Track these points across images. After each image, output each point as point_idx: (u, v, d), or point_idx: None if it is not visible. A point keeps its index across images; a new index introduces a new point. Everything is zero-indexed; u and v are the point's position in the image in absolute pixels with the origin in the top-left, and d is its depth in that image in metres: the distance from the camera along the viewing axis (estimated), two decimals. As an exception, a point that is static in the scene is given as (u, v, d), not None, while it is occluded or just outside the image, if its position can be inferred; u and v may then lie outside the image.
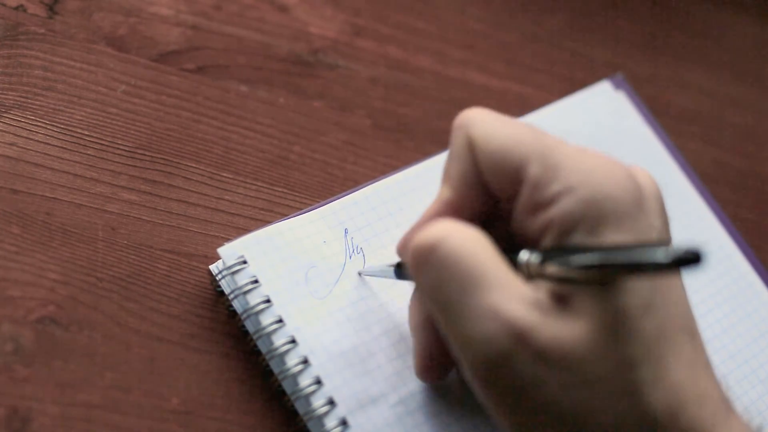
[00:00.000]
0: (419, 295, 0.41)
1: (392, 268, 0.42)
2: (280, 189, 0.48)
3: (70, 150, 0.45)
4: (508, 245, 0.36)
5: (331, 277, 0.44)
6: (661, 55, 0.62)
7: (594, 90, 0.55)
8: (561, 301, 0.34)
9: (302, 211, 0.45)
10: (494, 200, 0.38)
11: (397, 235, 0.46)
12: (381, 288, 0.44)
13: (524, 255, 0.35)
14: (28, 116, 0.45)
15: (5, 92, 0.46)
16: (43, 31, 0.48)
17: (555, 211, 0.34)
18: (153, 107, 0.48)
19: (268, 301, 0.42)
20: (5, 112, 0.45)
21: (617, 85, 0.56)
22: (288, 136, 0.50)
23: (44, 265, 0.42)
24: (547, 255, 0.34)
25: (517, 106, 0.56)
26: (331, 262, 0.44)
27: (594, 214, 0.34)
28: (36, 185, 0.44)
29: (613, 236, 0.34)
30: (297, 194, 0.49)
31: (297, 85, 0.52)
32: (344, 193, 0.46)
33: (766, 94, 0.63)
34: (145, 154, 0.47)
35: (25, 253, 0.42)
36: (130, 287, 0.43)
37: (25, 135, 0.45)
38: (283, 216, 0.45)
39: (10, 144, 0.45)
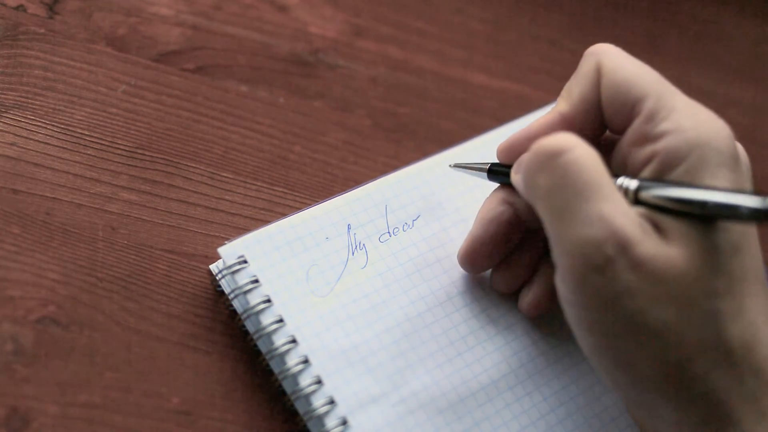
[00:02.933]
0: (502, 195, 0.44)
1: (484, 170, 0.44)
2: (280, 189, 0.48)
3: (70, 150, 0.45)
4: None
5: (332, 274, 0.44)
6: (661, 55, 0.62)
7: (594, 90, 0.55)
8: (658, 228, 0.37)
9: (302, 210, 0.45)
10: (601, 128, 0.42)
11: (399, 233, 0.46)
12: (383, 284, 0.44)
13: (622, 180, 0.38)
14: (28, 116, 0.45)
15: (5, 92, 0.46)
16: (43, 31, 0.48)
17: (662, 145, 0.38)
18: (153, 107, 0.48)
19: (268, 300, 0.42)
20: (5, 112, 0.45)
21: (617, 85, 0.56)
22: (288, 136, 0.50)
23: (44, 265, 0.42)
24: (645, 184, 0.37)
25: (517, 106, 0.56)
26: (333, 259, 0.44)
27: (697, 157, 0.37)
28: (36, 185, 0.44)
29: (710, 181, 0.37)
30: (297, 194, 0.49)
31: (297, 85, 0.52)
32: (345, 192, 0.46)
33: (766, 94, 0.63)
34: (145, 154, 0.47)
35: (25, 253, 0.42)
36: (130, 287, 0.43)
37: (25, 135, 0.45)
38: (283, 216, 0.45)
39: (10, 144, 0.45)
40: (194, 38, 0.51)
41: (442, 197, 0.47)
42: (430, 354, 0.43)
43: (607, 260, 0.36)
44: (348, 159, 0.51)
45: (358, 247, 0.45)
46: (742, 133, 0.61)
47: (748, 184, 0.39)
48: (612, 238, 0.36)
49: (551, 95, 0.56)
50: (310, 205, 0.46)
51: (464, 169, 0.46)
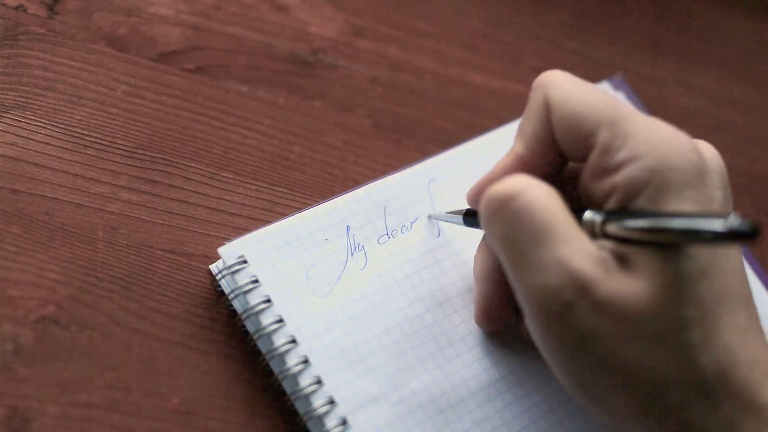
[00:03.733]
0: (486, 244, 0.43)
1: (460, 216, 0.44)
2: (280, 189, 0.48)
3: (70, 150, 0.45)
4: (572, 208, 0.38)
5: (332, 275, 0.44)
6: (661, 55, 0.62)
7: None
8: (622, 260, 0.35)
9: (302, 210, 0.45)
10: (562, 161, 0.40)
11: (398, 235, 0.46)
12: (382, 286, 0.44)
13: (588, 215, 0.37)
14: (28, 116, 0.45)
15: (5, 92, 0.46)
16: (43, 31, 0.48)
17: (621, 177, 0.36)
18: (153, 107, 0.48)
19: (268, 300, 0.42)
20: (5, 112, 0.45)
21: (616, 86, 0.56)
22: (288, 136, 0.50)
23: (44, 265, 0.42)
24: (610, 216, 0.36)
25: (517, 106, 0.55)
26: (332, 260, 0.44)
27: (658, 183, 0.35)
28: (36, 185, 0.44)
29: (674, 205, 0.35)
30: (297, 194, 0.49)
31: (297, 85, 0.52)
32: (345, 192, 0.46)
33: (766, 94, 0.63)
34: (145, 154, 0.47)
35: (25, 253, 0.42)
36: (130, 287, 0.43)
37: (25, 135, 0.45)
38: (283, 216, 0.45)
39: (10, 144, 0.45)
40: (194, 38, 0.51)
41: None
42: (430, 354, 0.43)
43: (567, 305, 0.35)
44: (348, 159, 0.51)
45: (357, 248, 0.45)
46: (741, 133, 0.61)
47: (718, 195, 0.37)
48: (570, 283, 0.35)
49: (551, 95, 0.56)
50: (310, 205, 0.46)
51: (442, 218, 0.46)
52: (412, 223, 0.46)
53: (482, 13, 0.58)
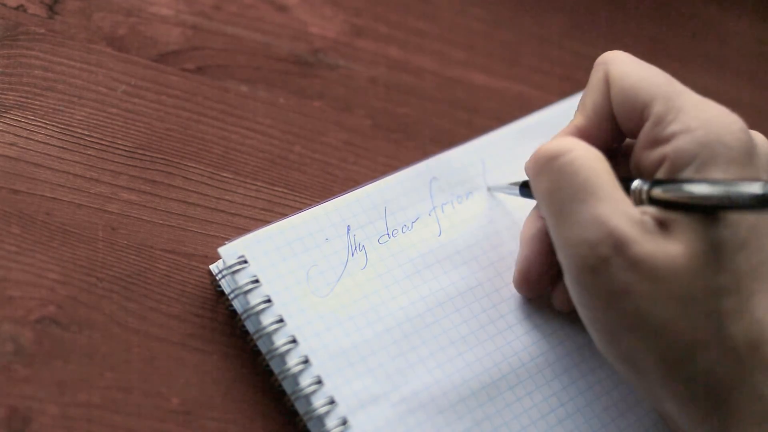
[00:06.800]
0: (537, 210, 0.44)
1: (518, 186, 0.45)
2: (280, 189, 0.48)
3: (70, 150, 0.45)
4: (624, 180, 0.39)
5: (332, 275, 0.44)
6: (662, 55, 0.62)
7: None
8: (663, 226, 0.36)
9: (302, 210, 0.45)
10: (618, 136, 0.42)
11: (398, 234, 0.46)
12: (383, 285, 0.44)
13: (637, 183, 0.38)
14: (28, 116, 0.45)
15: (5, 92, 0.46)
16: (43, 31, 0.48)
17: (671, 147, 0.38)
18: (153, 107, 0.48)
19: (268, 300, 0.42)
20: (5, 112, 0.45)
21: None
22: (288, 136, 0.50)
23: (44, 265, 0.42)
24: (657, 183, 0.38)
25: (517, 106, 0.56)
26: (332, 260, 0.44)
27: (706, 156, 0.37)
28: (36, 185, 0.44)
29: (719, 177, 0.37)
30: (297, 194, 0.49)
31: (297, 85, 0.52)
32: (345, 192, 0.46)
33: (766, 94, 0.63)
34: (145, 154, 0.47)
35: (25, 253, 0.42)
36: (130, 287, 0.43)
37: (25, 135, 0.45)
38: (283, 216, 0.45)
39: (10, 144, 0.45)
40: (194, 38, 0.51)
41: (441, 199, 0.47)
42: (431, 354, 0.43)
43: (603, 260, 0.36)
44: (348, 159, 0.51)
45: (357, 248, 0.45)
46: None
47: (765, 176, 0.38)
48: (607, 239, 0.36)
49: (551, 95, 0.56)
50: (310, 205, 0.46)
51: (501, 189, 0.47)
52: (412, 222, 0.46)
53: (482, 13, 0.59)
